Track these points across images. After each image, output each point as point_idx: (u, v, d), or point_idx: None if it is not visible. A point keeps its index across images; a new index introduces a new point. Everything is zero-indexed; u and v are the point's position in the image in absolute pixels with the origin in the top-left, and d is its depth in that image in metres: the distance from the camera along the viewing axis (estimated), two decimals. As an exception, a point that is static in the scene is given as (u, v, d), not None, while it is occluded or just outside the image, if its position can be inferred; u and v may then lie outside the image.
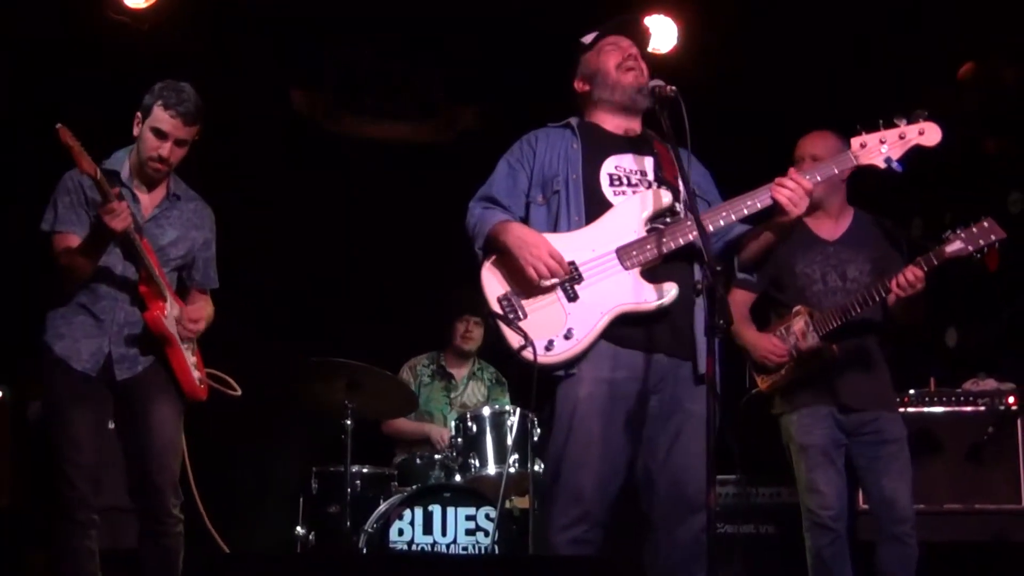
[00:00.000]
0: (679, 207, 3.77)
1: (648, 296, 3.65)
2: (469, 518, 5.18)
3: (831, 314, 4.53)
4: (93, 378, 4.12)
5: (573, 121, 3.97)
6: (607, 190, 3.79)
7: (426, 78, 7.10)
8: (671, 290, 3.65)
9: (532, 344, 3.58)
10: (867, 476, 4.57)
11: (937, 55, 6.35)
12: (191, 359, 4.28)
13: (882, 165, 3.73)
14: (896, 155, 3.72)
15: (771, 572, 5.38)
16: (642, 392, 3.66)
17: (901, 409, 4.89)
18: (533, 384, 3.56)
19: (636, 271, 3.67)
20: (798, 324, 4.58)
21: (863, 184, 4.53)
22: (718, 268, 3.33)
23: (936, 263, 4.37)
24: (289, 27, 6.58)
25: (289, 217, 6.59)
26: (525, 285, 3.68)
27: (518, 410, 5.44)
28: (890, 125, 3.74)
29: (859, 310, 4.49)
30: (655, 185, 3.80)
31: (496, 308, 3.69)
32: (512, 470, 5.24)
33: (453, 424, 5.65)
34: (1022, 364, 5.72)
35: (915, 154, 3.76)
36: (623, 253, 3.68)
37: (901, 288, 4.37)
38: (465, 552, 5.10)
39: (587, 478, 3.63)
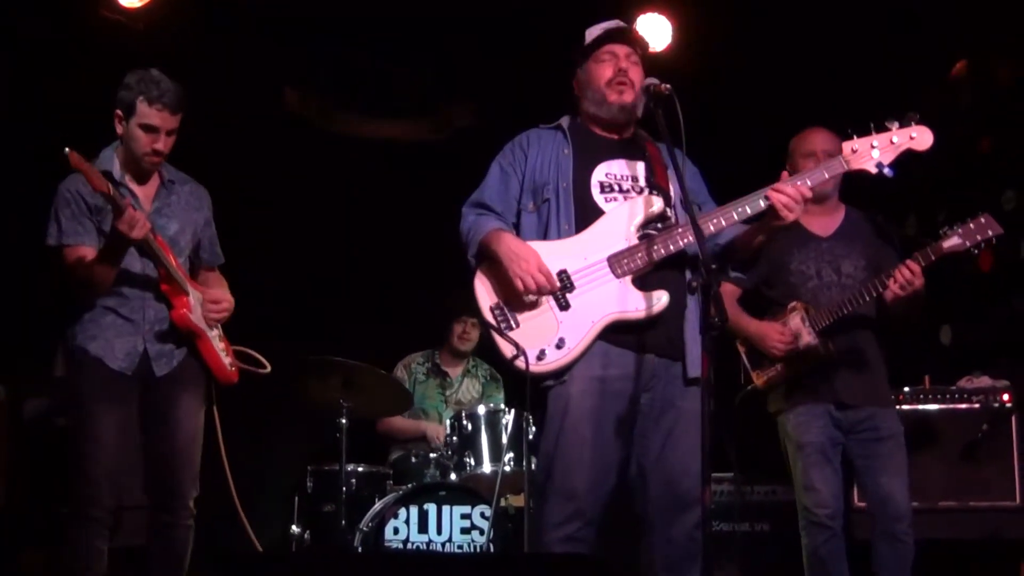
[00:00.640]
0: (671, 213, 3.78)
1: (639, 305, 3.67)
2: (464, 516, 5.19)
3: (827, 310, 4.54)
4: (127, 376, 4.14)
5: (564, 123, 3.97)
6: (598, 198, 3.80)
7: (420, 76, 7.10)
8: (662, 298, 3.67)
9: (524, 354, 3.62)
10: (864, 473, 4.58)
11: (931, 54, 6.36)
12: (219, 345, 4.32)
13: (873, 170, 3.74)
14: (887, 160, 3.73)
15: (767, 570, 5.38)
16: (633, 390, 3.68)
17: (896, 406, 4.90)
18: (527, 392, 3.61)
19: (627, 279, 3.70)
20: (794, 320, 4.58)
21: (857, 181, 4.53)
22: (713, 267, 3.34)
23: (933, 258, 4.38)
24: (282, 26, 6.57)
25: (284, 216, 6.58)
26: (517, 295, 3.70)
27: (513, 408, 5.45)
28: (882, 129, 3.75)
29: (855, 306, 4.50)
30: (647, 191, 3.80)
31: (488, 317, 3.73)
32: (507, 468, 5.24)
33: (448, 422, 5.65)
34: (1016, 361, 5.73)
35: (908, 153, 3.76)
36: (614, 261, 3.70)
37: (899, 284, 4.38)
38: (460, 551, 5.11)
39: (579, 476, 3.65)
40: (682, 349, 3.73)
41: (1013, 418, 5.30)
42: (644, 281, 3.70)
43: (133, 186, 4.23)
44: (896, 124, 3.74)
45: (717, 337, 3.34)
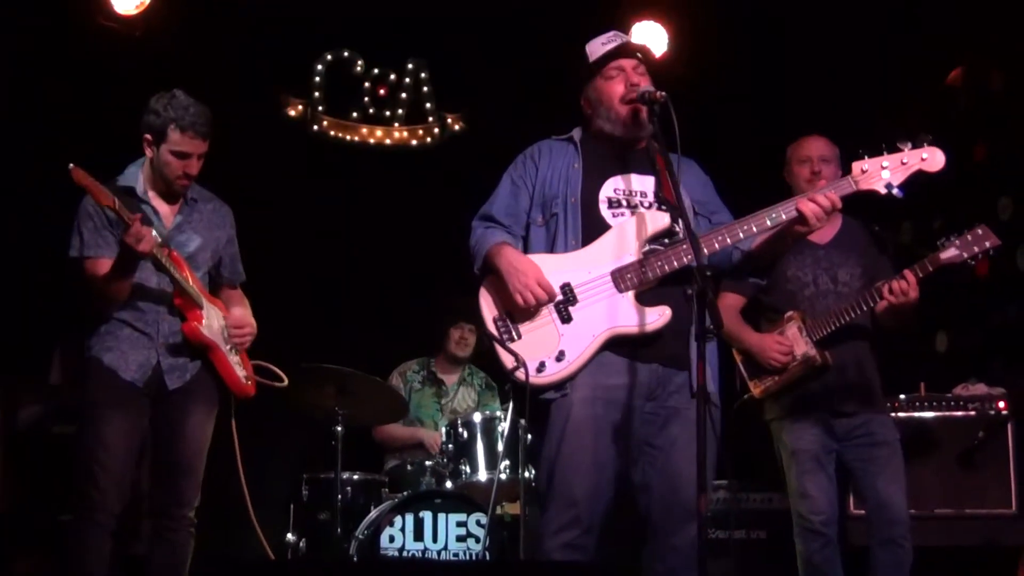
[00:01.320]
0: (678, 228, 3.78)
1: (641, 320, 3.67)
2: (460, 524, 5.18)
3: (824, 320, 4.54)
4: (139, 389, 4.19)
5: (576, 135, 3.97)
6: (606, 213, 3.81)
7: (414, 82, 7.10)
8: (664, 313, 3.67)
9: (525, 365, 3.64)
10: (862, 479, 4.57)
11: (926, 62, 6.37)
12: (234, 359, 4.37)
13: (882, 190, 3.72)
14: (897, 180, 3.72)
15: (762, 578, 5.38)
16: (636, 400, 3.68)
17: (892, 414, 4.90)
18: (526, 404, 3.63)
19: (631, 294, 3.70)
20: (791, 330, 4.59)
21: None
22: (708, 273, 3.35)
23: (931, 269, 4.38)
24: (277, 33, 6.58)
25: (278, 223, 6.57)
26: (519, 307, 3.72)
27: (509, 416, 5.44)
28: (893, 150, 3.74)
29: (852, 316, 4.50)
30: (655, 206, 3.81)
31: (491, 329, 3.76)
32: (503, 476, 5.24)
33: (444, 430, 5.64)
34: (1012, 369, 5.73)
35: (920, 174, 3.74)
36: (618, 276, 3.71)
37: (894, 294, 4.38)
38: (456, 558, 5.11)
39: (579, 483, 3.65)
40: (687, 361, 3.73)
41: (1009, 425, 5.31)
42: (648, 296, 3.70)
43: (157, 203, 4.30)
44: (908, 145, 3.73)
45: (720, 349, 3.33)
